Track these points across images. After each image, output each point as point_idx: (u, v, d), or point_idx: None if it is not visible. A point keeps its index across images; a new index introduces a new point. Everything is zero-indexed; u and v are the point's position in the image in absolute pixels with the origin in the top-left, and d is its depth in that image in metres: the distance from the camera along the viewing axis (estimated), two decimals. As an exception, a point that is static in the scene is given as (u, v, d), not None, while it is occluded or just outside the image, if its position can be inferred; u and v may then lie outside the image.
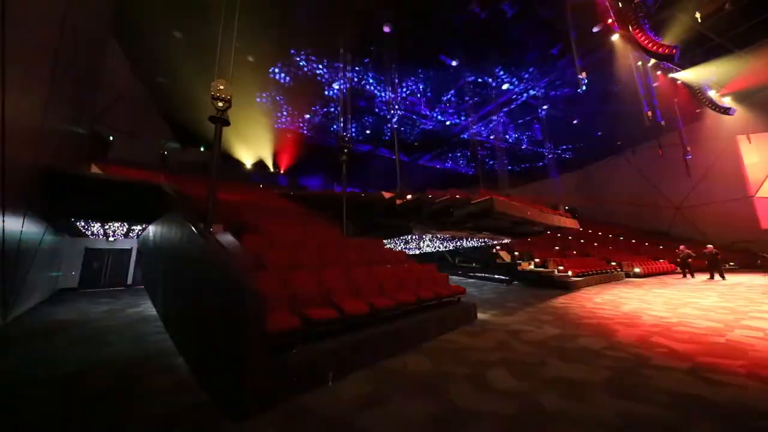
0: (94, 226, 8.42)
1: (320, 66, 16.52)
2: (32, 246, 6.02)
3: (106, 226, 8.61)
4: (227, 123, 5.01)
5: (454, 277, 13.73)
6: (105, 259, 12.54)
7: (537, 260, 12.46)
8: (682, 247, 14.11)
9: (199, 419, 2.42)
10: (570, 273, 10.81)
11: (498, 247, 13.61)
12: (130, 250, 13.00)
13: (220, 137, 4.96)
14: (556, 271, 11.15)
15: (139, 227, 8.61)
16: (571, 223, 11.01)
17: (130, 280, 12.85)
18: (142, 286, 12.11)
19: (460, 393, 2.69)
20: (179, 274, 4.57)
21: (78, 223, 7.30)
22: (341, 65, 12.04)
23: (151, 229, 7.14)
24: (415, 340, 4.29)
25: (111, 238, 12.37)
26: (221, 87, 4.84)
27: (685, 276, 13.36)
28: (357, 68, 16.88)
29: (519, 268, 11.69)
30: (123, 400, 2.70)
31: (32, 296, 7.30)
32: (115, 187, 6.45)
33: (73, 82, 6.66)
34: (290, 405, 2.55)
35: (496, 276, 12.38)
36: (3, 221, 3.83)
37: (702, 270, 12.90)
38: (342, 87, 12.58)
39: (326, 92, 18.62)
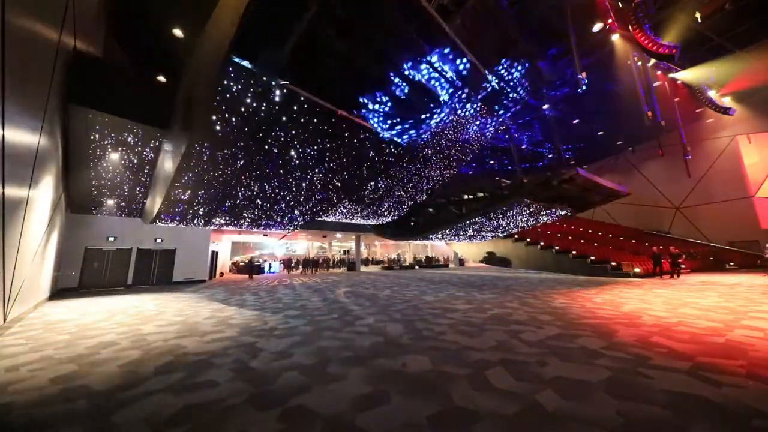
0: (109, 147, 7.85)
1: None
2: (33, 243, 6.03)
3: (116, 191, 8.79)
4: None
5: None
6: (105, 259, 12.53)
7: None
8: (672, 248, 14.98)
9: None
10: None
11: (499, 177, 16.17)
12: (130, 250, 13.00)
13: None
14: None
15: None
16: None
17: (130, 281, 12.84)
18: (142, 285, 12.11)
19: (460, 393, 2.69)
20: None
21: (92, 125, 6.61)
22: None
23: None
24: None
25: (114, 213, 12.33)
26: None
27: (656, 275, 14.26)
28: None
29: (525, 181, 13.73)
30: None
31: (32, 296, 7.31)
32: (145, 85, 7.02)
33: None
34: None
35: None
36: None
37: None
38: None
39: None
